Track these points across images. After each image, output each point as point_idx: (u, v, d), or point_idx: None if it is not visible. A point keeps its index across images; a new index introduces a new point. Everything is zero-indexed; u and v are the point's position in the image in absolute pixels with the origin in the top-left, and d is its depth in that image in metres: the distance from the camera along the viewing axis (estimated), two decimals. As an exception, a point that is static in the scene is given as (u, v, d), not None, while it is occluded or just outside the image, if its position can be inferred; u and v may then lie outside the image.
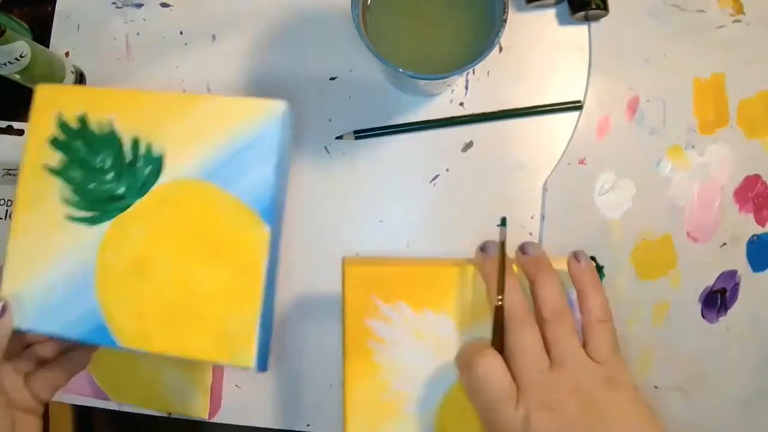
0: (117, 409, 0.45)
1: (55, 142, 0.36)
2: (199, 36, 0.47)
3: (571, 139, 0.45)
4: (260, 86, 0.46)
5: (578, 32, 0.45)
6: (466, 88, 0.45)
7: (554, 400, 0.30)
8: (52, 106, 0.36)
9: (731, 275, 0.44)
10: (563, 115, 0.45)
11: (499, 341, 0.32)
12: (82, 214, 0.35)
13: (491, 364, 0.31)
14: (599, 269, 0.44)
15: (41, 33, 0.47)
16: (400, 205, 0.45)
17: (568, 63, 0.45)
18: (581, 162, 0.44)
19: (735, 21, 0.45)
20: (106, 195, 0.35)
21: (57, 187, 0.36)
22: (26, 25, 0.47)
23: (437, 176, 0.45)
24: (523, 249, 0.33)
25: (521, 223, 0.45)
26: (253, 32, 0.47)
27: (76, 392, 0.44)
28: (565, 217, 0.44)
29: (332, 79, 0.46)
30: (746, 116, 0.44)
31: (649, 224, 0.44)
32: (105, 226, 0.35)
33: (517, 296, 0.32)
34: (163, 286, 0.35)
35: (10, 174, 0.47)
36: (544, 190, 0.45)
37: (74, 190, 0.35)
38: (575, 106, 0.45)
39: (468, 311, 0.37)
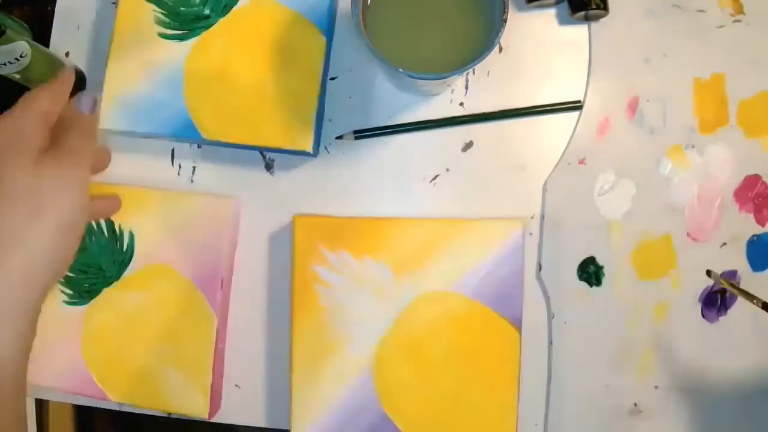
0: (117, 409, 0.45)
1: None
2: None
3: (571, 139, 0.45)
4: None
5: (578, 32, 0.45)
6: (466, 88, 0.45)
7: None
8: None
9: (731, 275, 0.44)
10: (563, 115, 0.45)
11: None
12: (173, 32, 0.43)
13: None
14: (599, 269, 0.44)
15: (41, 33, 0.47)
16: (400, 205, 0.45)
17: (568, 63, 0.45)
18: (581, 162, 0.44)
19: (735, 21, 0.45)
20: (193, 15, 0.43)
21: (151, 10, 0.43)
22: (26, 25, 0.47)
23: (437, 176, 0.45)
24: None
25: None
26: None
27: (76, 392, 0.44)
28: (565, 217, 0.44)
29: (332, 79, 0.46)
30: (746, 116, 0.44)
31: (649, 224, 0.44)
32: (192, 42, 0.43)
33: None
34: (239, 88, 0.42)
35: (10, 174, 0.47)
36: (544, 190, 0.45)
37: (166, 13, 0.44)
38: (575, 106, 0.45)
39: (404, 259, 0.42)
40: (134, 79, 0.43)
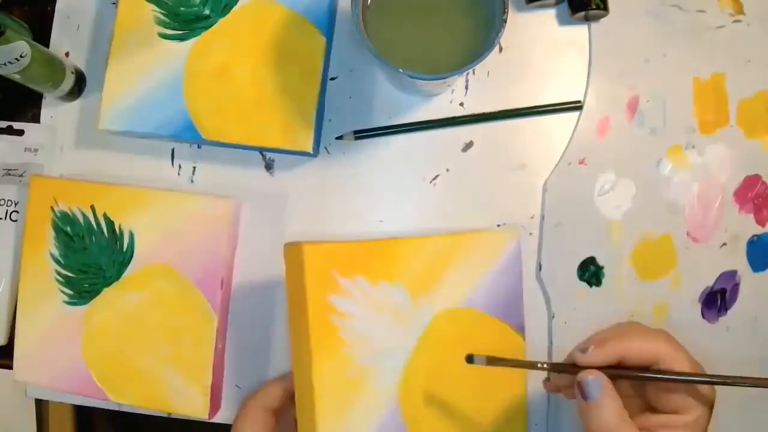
0: (117, 409, 0.45)
1: None
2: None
3: (571, 139, 0.45)
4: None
5: (578, 32, 0.45)
6: (466, 88, 0.45)
7: None
8: None
9: (731, 275, 0.44)
10: (563, 115, 0.45)
11: None
12: (173, 32, 0.43)
13: None
14: (599, 269, 0.44)
15: (41, 33, 0.47)
16: (400, 205, 0.45)
17: (568, 63, 0.45)
18: (581, 162, 0.44)
19: (735, 21, 0.45)
20: (193, 15, 0.43)
21: (151, 11, 0.43)
22: (26, 25, 0.47)
23: (437, 176, 0.45)
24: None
25: (521, 223, 0.45)
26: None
27: (76, 392, 0.44)
28: (565, 217, 0.44)
29: (332, 79, 0.46)
30: (746, 116, 0.44)
31: (649, 224, 0.44)
32: (192, 42, 0.43)
33: None
34: (239, 88, 0.43)
35: (10, 174, 0.47)
36: (544, 190, 0.45)
37: (166, 13, 0.43)
38: (575, 106, 0.45)
39: (418, 279, 0.39)
40: (134, 79, 0.43)
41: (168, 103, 0.43)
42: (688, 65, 0.45)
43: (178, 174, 0.46)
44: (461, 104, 0.45)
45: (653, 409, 0.36)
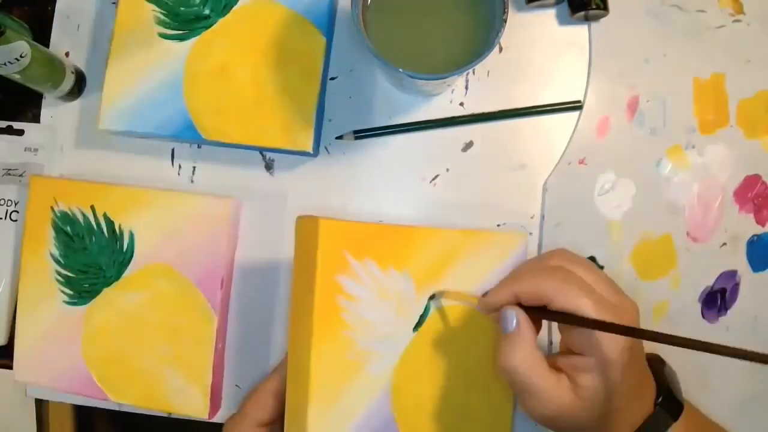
0: (117, 409, 0.45)
1: None
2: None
3: (571, 139, 0.45)
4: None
5: (578, 32, 0.45)
6: (466, 88, 0.45)
7: None
8: None
9: (731, 275, 0.44)
10: (563, 115, 0.45)
11: None
12: (173, 32, 0.43)
13: None
14: (599, 269, 0.44)
15: (41, 33, 0.47)
16: (400, 205, 0.45)
17: (568, 63, 0.45)
18: (581, 162, 0.44)
19: (735, 21, 0.45)
20: (193, 15, 0.43)
21: (151, 10, 0.43)
22: (26, 25, 0.47)
23: (437, 176, 0.45)
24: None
25: (521, 223, 0.45)
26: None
27: (76, 392, 0.44)
28: (565, 217, 0.44)
29: (332, 79, 0.46)
30: (746, 116, 0.44)
31: (649, 224, 0.44)
32: (192, 42, 0.43)
33: None
34: (239, 88, 0.43)
35: (10, 174, 0.47)
36: (544, 190, 0.45)
37: (166, 13, 0.43)
38: (575, 106, 0.45)
39: (425, 270, 0.39)
40: (134, 79, 0.43)
41: (168, 103, 0.43)
42: (688, 65, 0.45)
43: (178, 174, 0.46)
44: (461, 104, 0.45)
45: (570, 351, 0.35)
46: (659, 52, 0.45)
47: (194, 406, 0.42)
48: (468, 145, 0.45)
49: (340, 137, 0.45)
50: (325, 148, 0.46)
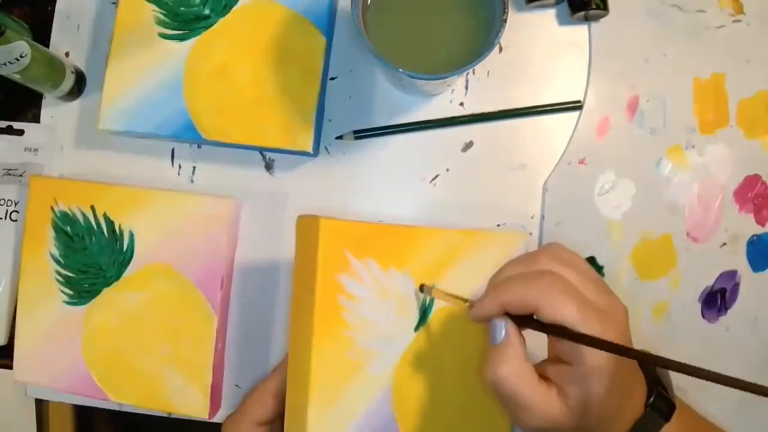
0: (117, 409, 0.45)
1: None
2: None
3: (571, 139, 0.45)
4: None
5: (578, 32, 0.45)
6: (466, 88, 0.45)
7: None
8: None
9: (731, 275, 0.44)
10: (563, 115, 0.45)
11: None
12: (173, 32, 0.43)
13: None
14: (599, 269, 0.44)
15: (41, 33, 0.47)
16: (400, 205, 0.45)
17: (568, 63, 0.45)
18: (581, 162, 0.44)
19: (735, 21, 0.45)
20: (193, 15, 0.43)
21: (151, 10, 0.44)
22: (26, 25, 0.47)
23: (437, 176, 0.45)
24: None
25: (521, 223, 0.45)
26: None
27: (76, 392, 0.44)
28: (565, 217, 0.44)
29: (332, 79, 0.46)
30: (746, 116, 0.44)
31: (649, 224, 0.44)
32: (192, 42, 0.43)
33: None
34: (239, 88, 0.43)
35: (10, 174, 0.47)
36: (544, 190, 0.45)
37: (166, 13, 0.43)
38: (575, 106, 0.45)
39: (426, 271, 0.39)
40: (134, 79, 0.43)
41: (168, 103, 0.43)
42: (688, 65, 0.45)
43: (178, 174, 0.46)
44: (461, 104, 0.45)
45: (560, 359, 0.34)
46: (659, 52, 0.45)
47: (194, 406, 0.42)
48: (468, 145, 0.45)
49: (340, 137, 0.45)
50: (325, 148, 0.46)
